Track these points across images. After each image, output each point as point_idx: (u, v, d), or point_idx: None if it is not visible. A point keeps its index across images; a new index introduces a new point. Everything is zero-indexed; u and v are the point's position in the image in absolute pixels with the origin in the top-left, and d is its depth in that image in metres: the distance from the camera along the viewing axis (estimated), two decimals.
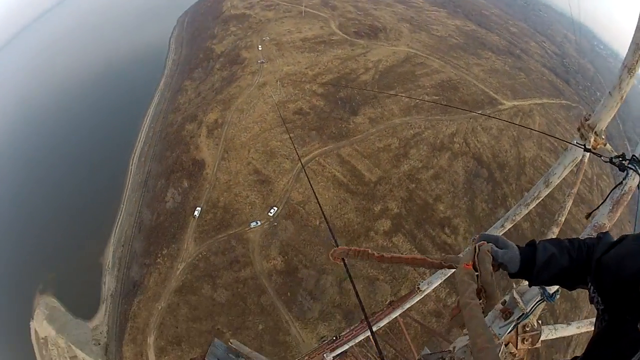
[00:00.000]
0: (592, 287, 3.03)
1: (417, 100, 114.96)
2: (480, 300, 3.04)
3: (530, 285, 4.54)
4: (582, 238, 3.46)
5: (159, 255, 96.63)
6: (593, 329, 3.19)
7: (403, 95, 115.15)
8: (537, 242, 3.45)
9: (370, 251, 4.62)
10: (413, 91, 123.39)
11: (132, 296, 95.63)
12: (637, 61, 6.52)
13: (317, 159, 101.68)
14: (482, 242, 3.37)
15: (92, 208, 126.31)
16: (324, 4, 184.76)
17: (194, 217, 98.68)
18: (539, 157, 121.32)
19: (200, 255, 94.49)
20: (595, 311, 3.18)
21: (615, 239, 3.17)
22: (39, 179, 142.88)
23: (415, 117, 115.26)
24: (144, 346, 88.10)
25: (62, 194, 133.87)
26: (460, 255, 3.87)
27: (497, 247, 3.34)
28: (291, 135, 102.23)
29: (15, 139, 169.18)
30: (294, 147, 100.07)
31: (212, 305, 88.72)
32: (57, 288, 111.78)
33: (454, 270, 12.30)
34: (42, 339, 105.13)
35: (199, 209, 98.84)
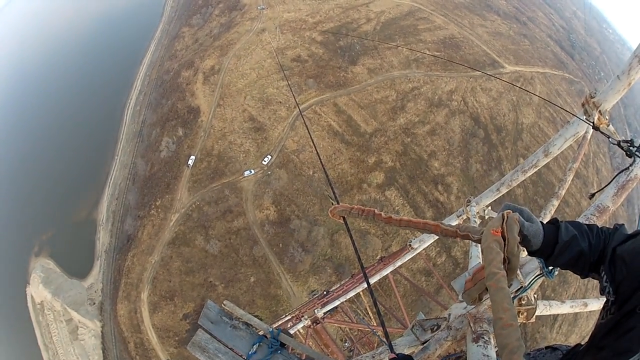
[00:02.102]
0: (605, 277, 2.96)
1: (418, 54, 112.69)
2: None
3: (548, 266, 4.25)
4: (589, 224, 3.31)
5: (153, 206, 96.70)
6: (598, 317, 3.10)
7: (404, 46, 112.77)
8: (560, 222, 3.26)
9: (376, 211, 4.44)
10: (414, 45, 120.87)
11: (126, 250, 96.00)
12: None
13: (313, 107, 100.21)
14: (509, 210, 3.10)
15: (85, 161, 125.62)
16: None
17: (187, 166, 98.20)
18: (537, 125, 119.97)
19: (193, 205, 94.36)
20: (599, 300, 3.30)
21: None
22: (28, 134, 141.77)
23: (415, 71, 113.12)
24: (137, 302, 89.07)
25: (54, 148, 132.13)
26: (476, 226, 3.62)
27: (523, 218, 3.10)
28: (289, 82, 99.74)
29: (3, 91, 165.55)
30: (292, 94, 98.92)
31: (205, 257, 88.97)
32: (53, 248, 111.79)
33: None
34: (39, 304, 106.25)
35: (193, 157, 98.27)
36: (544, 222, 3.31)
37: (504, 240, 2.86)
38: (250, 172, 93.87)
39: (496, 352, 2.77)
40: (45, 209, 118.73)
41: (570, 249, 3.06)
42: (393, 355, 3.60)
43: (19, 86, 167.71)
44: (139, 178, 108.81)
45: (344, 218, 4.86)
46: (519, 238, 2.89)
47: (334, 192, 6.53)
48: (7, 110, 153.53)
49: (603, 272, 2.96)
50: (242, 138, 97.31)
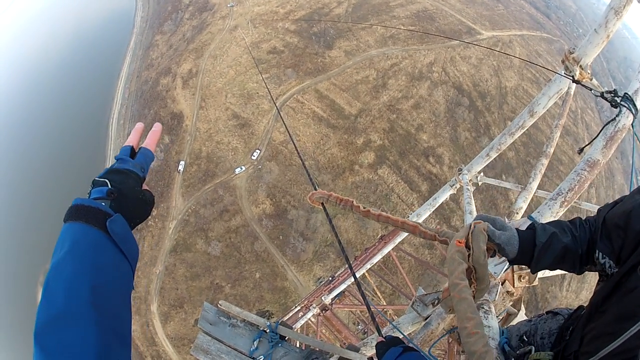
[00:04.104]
0: (600, 255, 2.91)
1: (394, 31, 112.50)
2: (471, 284, 2.88)
3: (532, 272, 4.49)
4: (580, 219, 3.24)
5: (150, 217, 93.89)
6: (597, 280, 3.15)
7: (378, 24, 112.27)
8: (537, 224, 3.20)
9: (355, 203, 4.46)
10: (388, 22, 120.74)
11: None
12: (624, 4, 6.46)
13: (295, 96, 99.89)
14: (479, 221, 3.10)
15: (76, 182, 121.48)
16: None
17: (178, 172, 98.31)
18: (521, 87, 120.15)
19: (189, 210, 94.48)
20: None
21: None
22: (16, 162, 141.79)
23: (392, 48, 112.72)
24: (148, 315, 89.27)
25: (42, 173, 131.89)
26: (453, 232, 3.61)
27: (494, 227, 3.08)
28: (266, 75, 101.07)
29: None
30: (267, 87, 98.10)
31: (208, 260, 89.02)
32: None
33: (442, 201, 13.57)
34: None
35: (182, 162, 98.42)
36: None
37: (470, 250, 2.85)
38: (241, 169, 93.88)
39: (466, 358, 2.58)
40: (42, 233, 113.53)
41: (551, 248, 2.94)
42: (381, 339, 3.47)
43: None
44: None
45: (322, 205, 4.84)
46: (484, 247, 2.85)
47: (310, 178, 6.35)
48: None
49: (598, 253, 2.88)
50: (229, 136, 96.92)
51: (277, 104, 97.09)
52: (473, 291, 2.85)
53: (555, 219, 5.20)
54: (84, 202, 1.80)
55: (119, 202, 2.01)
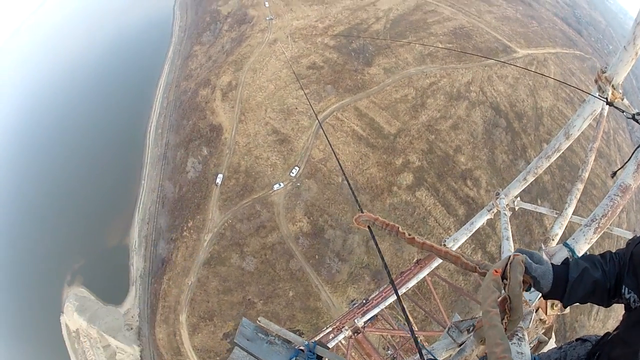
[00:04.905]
0: (626, 290, 3.06)
1: (431, 49, 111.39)
2: (505, 314, 3.02)
3: (564, 306, 4.20)
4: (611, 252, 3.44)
5: (185, 228, 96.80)
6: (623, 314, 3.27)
7: (416, 42, 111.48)
8: (571, 259, 3.41)
9: (400, 229, 4.57)
10: (426, 39, 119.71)
11: (161, 274, 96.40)
12: None
13: (335, 113, 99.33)
14: (518, 253, 3.25)
15: (112, 189, 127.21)
16: None
17: (216, 185, 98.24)
18: (556, 107, 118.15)
19: (226, 224, 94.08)
20: None
21: None
22: (52, 167, 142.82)
23: (430, 66, 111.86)
24: (176, 325, 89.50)
25: (78, 179, 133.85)
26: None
27: (531, 260, 3.24)
28: (306, 91, 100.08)
29: (23, 128, 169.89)
30: (309, 103, 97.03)
31: (242, 275, 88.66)
32: (85, 277, 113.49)
33: (479, 226, 13.42)
34: (74, 332, 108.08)
35: (220, 175, 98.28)
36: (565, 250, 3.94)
37: (506, 280, 2.97)
38: (280, 185, 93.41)
39: None
40: (74, 238, 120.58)
41: (583, 283, 3.10)
42: None
43: (37, 115, 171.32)
44: (168, 201, 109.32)
45: (369, 227, 4.85)
46: (520, 278, 2.97)
47: (357, 201, 6.63)
48: (27, 141, 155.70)
49: (624, 288, 3.00)
50: (268, 152, 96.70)
51: (317, 121, 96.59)
52: (505, 322, 2.96)
53: (589, 245, 5.57)
54: None
55: None
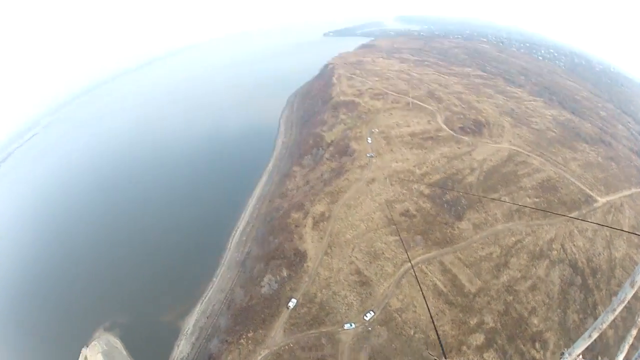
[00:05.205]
0: None
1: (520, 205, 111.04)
2: None
3: None
4: None
5: (244, 336, 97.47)
6: None
7: (507, 202, 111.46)
8: None
9: None
10: (515, 193, 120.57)
11: None
12: None
13: (419, 265, 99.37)
14: None
15: (185, 274, 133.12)
16: (429, 95, 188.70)
17: (287, 308, 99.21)
18: (628, 255, 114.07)
19: (286, 347, 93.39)
20: None
21: None
22: (143, 229, 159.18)
23: (517, 223, 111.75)
24: None
25: (159, 251, 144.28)
26: None
27: None
28: (395, 238, 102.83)
29: (125, 197, 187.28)
30: (406, 252, 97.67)
31: None
32: (126, 332, 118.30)
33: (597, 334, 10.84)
34: None
35: (294, 300, 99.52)
36: None
37: None
38: (351, 325, 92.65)
39: None
40: (134, 294, 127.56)
41: None
42: None
43: (142, 194, 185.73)
44: (235, 305, 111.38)
45: None
46: None
47: (444, 354, 6.20)
48: (131, 211, 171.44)
49: None
50: (347, 290, 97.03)
51: (402, 271, 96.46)
52: None
53: None
54: None
55: None
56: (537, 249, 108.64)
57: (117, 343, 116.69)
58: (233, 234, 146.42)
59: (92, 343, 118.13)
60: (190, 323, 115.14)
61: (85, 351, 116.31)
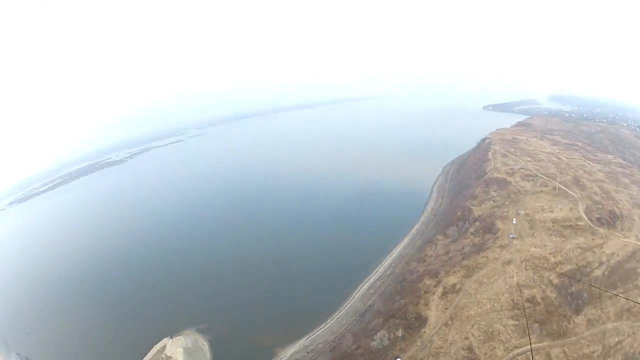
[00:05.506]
0: None
1: (631, 303, 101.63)
2: None
3: None
4: None
5: None
6: None
7: (626, 299, 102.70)
8: None
9: None
10: (630, 292, 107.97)
11: None
12: None
13: (527, 354, 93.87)
14: None
15: (301, 307, 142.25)
16: (575, 182, 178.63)
17: None
18: None
19: None
20: None
21: None
22: (279, 258, 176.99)
23: (624, 322, 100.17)
24: None
25: (286, 281, 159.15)
26: None
27: None
28: (515, 322, 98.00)
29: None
30: (530, 340, 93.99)
31: None
32: (216, 339, 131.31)
33: None
34: (165, 355, 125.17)
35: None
36: None
37: None
38: None
39: None
40: (239, 312, 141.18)
41: None
42: None
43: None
44: (340, 350, 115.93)
45: None
46: None
47: None
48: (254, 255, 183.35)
49: None
50: None
51: (510, 357, 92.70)
52: None
53: None
54: None
55: None
56: (631, 351, 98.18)
57: (205, 346, 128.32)
58: (361, 285, 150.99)
59: (178, 337, 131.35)
60: (288, 353, 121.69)
61: (167, 341, 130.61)
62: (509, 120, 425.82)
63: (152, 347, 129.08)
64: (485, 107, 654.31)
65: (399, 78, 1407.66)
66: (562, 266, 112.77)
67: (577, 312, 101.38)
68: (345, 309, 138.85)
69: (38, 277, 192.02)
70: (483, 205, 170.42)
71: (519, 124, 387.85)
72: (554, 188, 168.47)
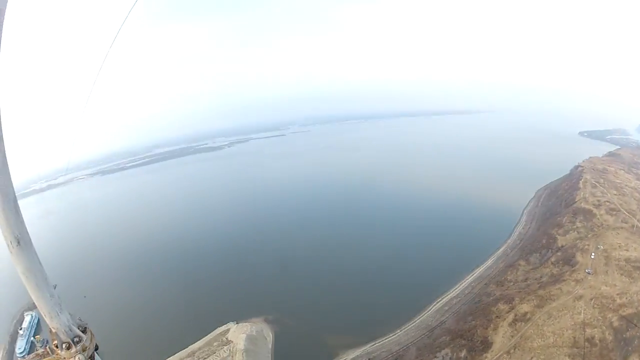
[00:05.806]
0: None
1: None
2: None
3: None
4: None
5: None
6: None
7: None
8: None
9: None
10: None
11: None
12: None
13: None
14: None
15: (372, 311, 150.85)
16: None
17: None
18: None
19: None
20: None
21: None
22: (356, 264, 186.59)
23: None
24: None
25: (359, 285, 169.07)
26: None
27: None
28: None
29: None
30: None
31: None
32: (283, 332, 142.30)
33: None
34: (225, 338, 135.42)
35: None
36: None
37: None
38: None
39: None
40: (310, 309, 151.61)
41: None
42: None
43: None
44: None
45: None
46: None
47: None
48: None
49: None
50: None
51: None
52: None
53: None
54: None
55: None
56: None
57: (269, 336, 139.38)
58: (438, 300, 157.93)
59: (244, 323, 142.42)
60: (349, 356, 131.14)
61: (232, 325, 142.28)
62: (601, 149, 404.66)
63: (216, 328, 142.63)
64: (581, 133, 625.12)
65: (531, 86, 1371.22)
66: (625, 309, 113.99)
67: (625, 359, 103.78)
68: (417, 322, 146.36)
69: (121, 247, 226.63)
70: (567, 236, 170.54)
71: (610, 154, 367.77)
72: (632, 226, 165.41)
